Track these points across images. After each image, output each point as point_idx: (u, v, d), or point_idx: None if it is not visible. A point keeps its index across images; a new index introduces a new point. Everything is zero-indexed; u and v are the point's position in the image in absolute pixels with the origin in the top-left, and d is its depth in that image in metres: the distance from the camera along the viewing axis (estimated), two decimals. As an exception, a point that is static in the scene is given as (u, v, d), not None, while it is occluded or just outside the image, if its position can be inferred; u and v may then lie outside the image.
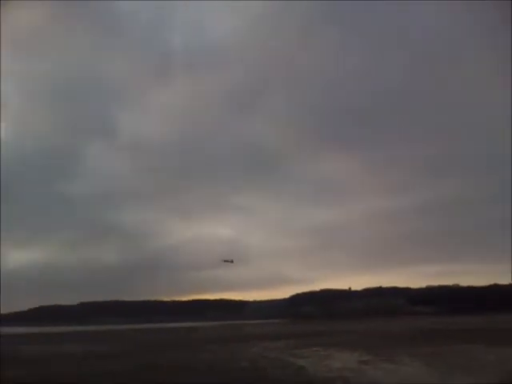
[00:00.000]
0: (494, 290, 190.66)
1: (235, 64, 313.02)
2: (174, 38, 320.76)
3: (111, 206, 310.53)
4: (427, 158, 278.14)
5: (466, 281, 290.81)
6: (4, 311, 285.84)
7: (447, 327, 78.21)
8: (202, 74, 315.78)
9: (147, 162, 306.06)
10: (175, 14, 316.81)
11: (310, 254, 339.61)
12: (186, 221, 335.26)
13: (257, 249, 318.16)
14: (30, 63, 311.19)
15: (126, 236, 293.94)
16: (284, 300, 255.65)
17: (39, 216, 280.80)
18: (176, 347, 52.89)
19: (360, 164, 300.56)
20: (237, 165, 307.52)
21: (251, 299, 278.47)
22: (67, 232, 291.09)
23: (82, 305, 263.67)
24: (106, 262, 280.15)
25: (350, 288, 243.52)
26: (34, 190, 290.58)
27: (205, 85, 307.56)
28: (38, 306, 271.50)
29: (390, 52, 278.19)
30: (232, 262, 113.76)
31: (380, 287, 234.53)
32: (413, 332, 67.85)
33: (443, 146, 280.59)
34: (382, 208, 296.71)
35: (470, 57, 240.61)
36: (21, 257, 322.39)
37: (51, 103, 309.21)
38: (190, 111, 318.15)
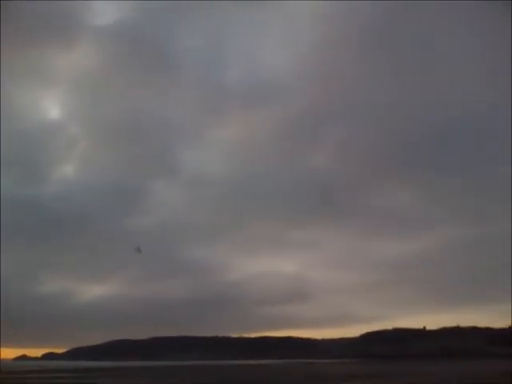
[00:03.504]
0: None
1: (291, 96, 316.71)
2: (229, 73, 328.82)
3: (177, 241, 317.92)
4: (506, 185, 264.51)
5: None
6: (78, 345, 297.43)
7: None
8: (259, 107, 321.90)
9: (209, 198, 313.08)
10: (229, 50, 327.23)
11: (379, 289, 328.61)
12: (250, 256, 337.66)
13: (322, 284, 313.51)
14: (94, 105, 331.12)
15: (192, 271, 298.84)
16: (354, 339, 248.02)
17: (108, 251, 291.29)
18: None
19: (428, 192, 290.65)
20: (299, 198, 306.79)
21: (319, 337, 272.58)
22: (135, 267, 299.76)
23: (154, 340, 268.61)
24: (174, 297, 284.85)
25: (424, 327, 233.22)
26: (101, 226, 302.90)
27: (262, 119, 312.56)
28: (111, 340, 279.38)
29: (454, 77, 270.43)
30: (139, 250, 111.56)
31: (458, 326, 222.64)
32: (492, 375, 63.65)
33: None
34: (457, 239, 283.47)
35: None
36: (93, 291, 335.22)
37: (115, 143, 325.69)
38: (249, 146, 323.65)
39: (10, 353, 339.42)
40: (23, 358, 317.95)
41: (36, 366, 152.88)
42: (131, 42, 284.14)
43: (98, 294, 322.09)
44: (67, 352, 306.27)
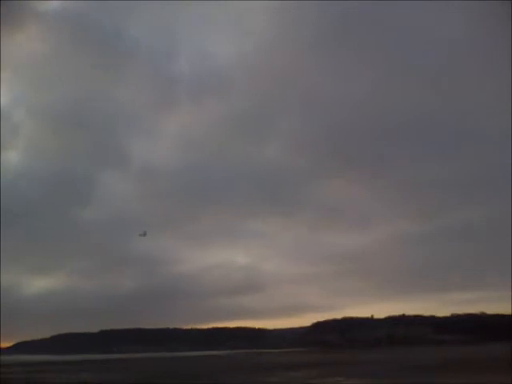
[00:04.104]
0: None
1: (243, 88, 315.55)
2: (180, 64, 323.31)
3: (126, 232, 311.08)
4: (451, 182, 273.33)
5: (492, 308, 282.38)
6: (24, 339, 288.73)
7: (473, 356, 76.01)
8: (210, 99, 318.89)
9: (160, 188, 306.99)
10: (180, 41, 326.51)
11: (329, 280, 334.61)
12: (201, 248, 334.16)
13: (274, 275, 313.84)
14: (40, 92, 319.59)
15: (142, 263, 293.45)
16: (305, 328, 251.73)
17: (54, 242, 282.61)
18: (195, 377, 52.36)
19: (379, 188, 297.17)
20: (251, 190, 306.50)
21: (271, 327, 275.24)
22: (83, 259, 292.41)
23: (103, 333, 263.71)
24: (124, 290, 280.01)
25: (372, 316, 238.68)
26: (47, 216, 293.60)
27: (213, 110, 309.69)
28: (58, 334, 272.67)
29: (409, 69, 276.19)
30: (145, 234, 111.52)
31: (403, 315, 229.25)
32: (437, 362, 66.05)
33: (467, 170, 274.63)
34: (404, 233, 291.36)
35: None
36: (38, 284, 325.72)
37: (63, 132, 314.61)
38: (200, 137, 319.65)
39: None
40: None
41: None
42: (80, 29, 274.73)
43: (44, 286, 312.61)
44: (13, 346, 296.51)
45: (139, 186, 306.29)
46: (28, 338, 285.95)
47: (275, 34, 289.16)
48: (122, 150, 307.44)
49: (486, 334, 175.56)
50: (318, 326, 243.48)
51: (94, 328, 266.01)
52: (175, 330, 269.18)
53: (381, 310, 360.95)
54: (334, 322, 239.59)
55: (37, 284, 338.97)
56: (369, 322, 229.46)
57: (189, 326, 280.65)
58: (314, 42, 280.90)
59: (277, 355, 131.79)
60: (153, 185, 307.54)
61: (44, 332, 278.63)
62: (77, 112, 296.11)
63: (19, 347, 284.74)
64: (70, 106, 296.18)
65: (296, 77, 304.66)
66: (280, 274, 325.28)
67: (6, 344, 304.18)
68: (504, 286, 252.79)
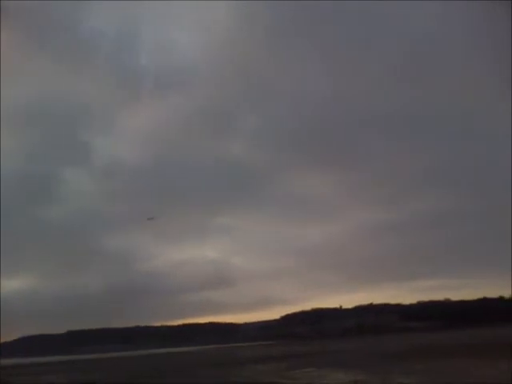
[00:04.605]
0: (484, 304, 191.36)
1: (207, 82, 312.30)
2: (143, 59, 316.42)
3: (93, 231, 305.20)
4: (417, 171, 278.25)
5: (457, 295, 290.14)
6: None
7: (439, 343, 77.79)
8: (174, 94, 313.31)
9: (125, 186, 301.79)
10: (143, 35, 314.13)
11: (298, 273, 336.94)
12: (170, 244, 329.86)
13: (244, 270, 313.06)
14: None
15: (109, 262, 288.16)
16: (275, 321, 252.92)
17: (17, 243, 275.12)
18: (168, 373, 51.82)
19: (345, 180, 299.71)
20: (219, 186, 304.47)
21: (242, 321, 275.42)
22: (49, 259, 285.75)
23: (70, 333, 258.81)
24: (92, 289, 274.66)
25: (340, 306, 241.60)
26: (9, 216, 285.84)
27: (177, 105, 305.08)
28: (24, 336, 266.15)
29: (371, 64, 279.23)
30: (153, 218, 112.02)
31: (371, 304, 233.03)
32: (405, 349, 67.26)
33: (434, 159, 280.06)
34: (370, 224, 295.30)
35: (457, 64, 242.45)
36: (2, 286, 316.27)
37: (21, 128, 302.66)
38: (164, 133, 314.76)
39: None
40: None
41: None
42: (37, 22, 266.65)
43: (7, 288, 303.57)
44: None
45: (104, 183, 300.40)
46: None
47: (239, 27, 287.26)
48: (84, 147, 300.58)
49: (451, 321, 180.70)
50: (288, 319, 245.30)
51: (62, 329, 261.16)
52: (146, 327, 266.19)
53: (349, 299, 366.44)
54: (303, 314, 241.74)
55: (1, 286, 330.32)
56: (338, 313, 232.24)
57: (159, 323, 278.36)
58: (279, 34, 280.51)
59: (247, 349, 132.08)
60: (118, 181, 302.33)
61: (9, 335, 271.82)
62: (36, 109, 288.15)
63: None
64: (29, 102, 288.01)
65: (261, 70, 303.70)
66: (249, 268, 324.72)
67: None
68: (469, 273, 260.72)
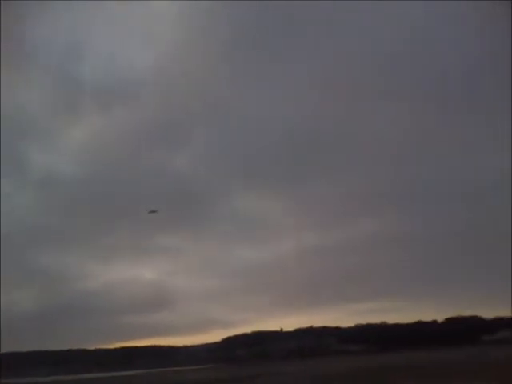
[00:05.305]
0: (418, 328, 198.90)
1: (153, 96, 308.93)
2: (86, 70, 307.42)
3: (26, 248, 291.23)
4: (356, 195, 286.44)
5: (393, 318, 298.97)
6: None
7: (375, 365, 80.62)
8: (117, 107, 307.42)
9: (63, 201, 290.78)
10: (87, 46, 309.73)
11: (239, 295, 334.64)
12: (107, 263, 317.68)
13: (185, 291, 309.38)
14: None
15: (43, 280, 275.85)
16: (216, 344, 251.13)
17: None
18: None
19: (287, 202, 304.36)
20: (160, 203, 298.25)
21: (182, 344, 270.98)
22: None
23: (2, 356, 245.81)
24: (22, 309, 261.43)
25: (281, 329, 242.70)
26: None
27: (119, 119, 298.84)
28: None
29: (317, 86, 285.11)
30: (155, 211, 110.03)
31: (311, 327, 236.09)
32: (344, 371, 69.50)
33: (372, 185, 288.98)
34: (310, 246, 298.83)
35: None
36: None
37: None
38: (105, 147, 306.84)
39: None
40: None
41: None
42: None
43: None
44: None
45: (39, 196, 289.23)
46: None
47: (188, 40, 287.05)
48: (21, 159, 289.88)
49: (387, 343, 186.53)
50: (229, 342, 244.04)
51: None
52: (80, 350, 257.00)
53: (290, 322, 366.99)
54: (244, 336, 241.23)
55: None
56: (278, 335, 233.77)
57: (95, 347, 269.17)
58: (229, 48, 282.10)
59: (189, 373, 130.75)
60: (54, 196, 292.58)
61: None
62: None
63: None
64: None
65: (210, 84, 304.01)
66: (191, 290, 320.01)
67: None
68: (404, 297, 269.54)
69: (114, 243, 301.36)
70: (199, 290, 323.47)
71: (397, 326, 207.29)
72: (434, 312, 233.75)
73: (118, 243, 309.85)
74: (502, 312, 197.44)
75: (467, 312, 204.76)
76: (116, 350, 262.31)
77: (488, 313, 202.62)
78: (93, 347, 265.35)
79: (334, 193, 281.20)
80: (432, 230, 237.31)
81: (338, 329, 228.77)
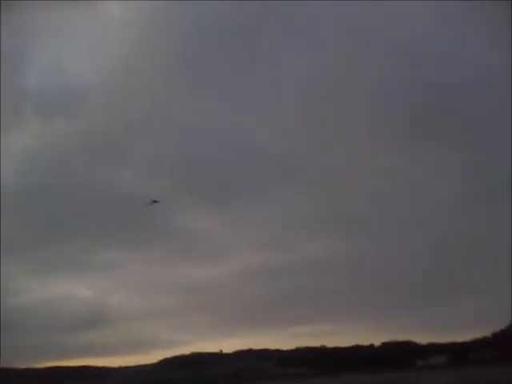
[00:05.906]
0: (356, 351, 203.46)
1: (97, 108, 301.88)
2: (29, 79, 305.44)
3: None
4: (304, 216, 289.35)
5: (332, 342, 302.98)
6: None
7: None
8: (61, 117, 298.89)
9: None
10: (31, 53, 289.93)
11: (178, 314, 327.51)
12: (40, 278, 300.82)
13: (121, 310, 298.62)
14: None
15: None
16: (152, 365, 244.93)
17: None
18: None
19: (233, 220, 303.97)
20: (100, 218, 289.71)
21: (117, 365, 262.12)
22: None
23: None
24: None
25: (221, 351, 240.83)
26: None
27: (64, 129, 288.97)
28: None
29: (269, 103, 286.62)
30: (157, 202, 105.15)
31: (251, 349, 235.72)
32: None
33: (322, 204, 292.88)
34: (253, 267, 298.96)
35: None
36: None
37: None
38: (47, 158, 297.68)
39: None
40: None
41: None
42: None
43: None
44: None
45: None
46: None
47: (136, 51, 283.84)
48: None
49: (326, 367, 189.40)
50: (166, 363, 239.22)
51: None
52: (7, 369, 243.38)
53: (230, 344, 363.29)
54: (182, 357, 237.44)
55: None
56: (218, 357, 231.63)
57: (23, 366, 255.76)
58: (179, 60, 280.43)
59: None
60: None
61: None
62: None
63: None
64: None
65: (157, 97, 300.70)
66: (127, 309, 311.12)
67: None
68: (343, 320, 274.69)
69: (49, 258, 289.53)
70: (138, 308, 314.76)
71: (336, 350, 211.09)
72: (371, 336, 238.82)
73: (54, 258, 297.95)
74: (436, 338, 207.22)
75: (402, 337, 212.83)
76: (45, 369, 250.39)
77: (422, 338, 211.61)
78: (22, 366, 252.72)
79: (279, 215, 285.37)
80: (370, 255, 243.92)
81: (278, 351, 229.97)
